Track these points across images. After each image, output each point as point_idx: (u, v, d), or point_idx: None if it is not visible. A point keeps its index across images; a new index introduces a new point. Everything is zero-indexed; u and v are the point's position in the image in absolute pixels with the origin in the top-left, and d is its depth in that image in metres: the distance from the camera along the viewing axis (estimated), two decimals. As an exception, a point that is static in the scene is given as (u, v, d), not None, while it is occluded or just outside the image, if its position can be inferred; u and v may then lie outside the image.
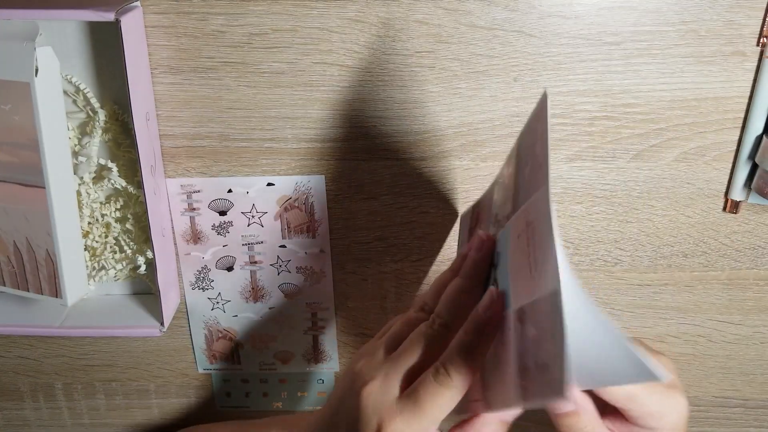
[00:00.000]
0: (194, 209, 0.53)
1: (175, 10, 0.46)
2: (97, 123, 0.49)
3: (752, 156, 0.48)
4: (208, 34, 0.47)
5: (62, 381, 0.62)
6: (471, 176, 0.51)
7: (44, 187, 0.47)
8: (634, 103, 0.48)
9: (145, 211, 0.48)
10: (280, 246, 0.54)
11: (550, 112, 0.30)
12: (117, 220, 0.53)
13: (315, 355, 0.59)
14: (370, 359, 0.37)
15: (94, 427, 0.64)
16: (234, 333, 0.58)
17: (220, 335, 0.58)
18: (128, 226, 0.53)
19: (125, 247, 0.54)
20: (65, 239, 0.49)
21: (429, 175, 0.51)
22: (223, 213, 0.53)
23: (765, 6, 0.44)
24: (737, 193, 0.50)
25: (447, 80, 0.48)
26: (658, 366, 0.27)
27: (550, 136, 0.30)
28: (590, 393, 0.37)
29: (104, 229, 0.53)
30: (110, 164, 0.51)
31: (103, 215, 0.53)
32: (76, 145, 0.50)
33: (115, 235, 0.53)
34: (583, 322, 0.28)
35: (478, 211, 0.47)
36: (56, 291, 0.50)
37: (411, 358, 0.35)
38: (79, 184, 0.51)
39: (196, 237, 0.54)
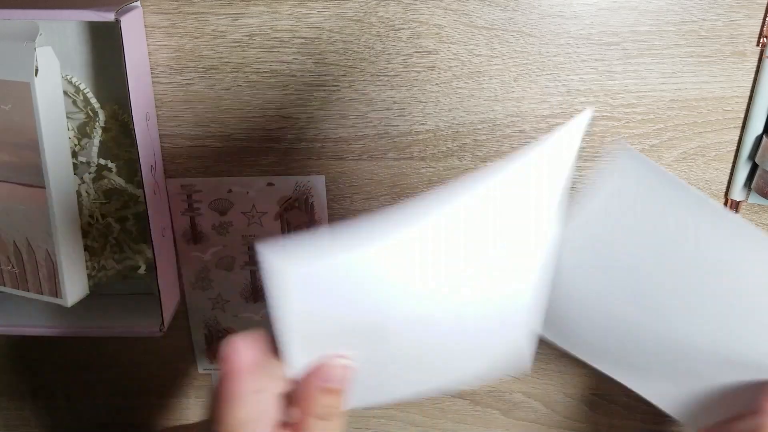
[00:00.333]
0: (194, 209, 0.53)
1: (175, 10, 0.46)
2: (97, 123, 0.49)
3: (752, 156, 0.48)
4: (208, 34, 0.47)
5: (62, 381, 0.62)
6: (471, 176, 0.51)
7: (44, 187, 0.47)
8: (634, 103, 0.48)
9: (145, 211, 0.48)
10: (280, 246, 0.54)
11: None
12: (117, 220, 0.53)
13: (315, 355, 0.59)
14: None
15: (94, 427, 0.64)
16: (234, 333, 0.58)
17: (220, 335, 0.58)
18: (128, 226, 0.53)
19: (125, 247, 0.54)
20: (65, 239, 0.49)
21: (429, 175, 0.51)
22: (223, 213, 0.53)
23: (765, 6, 0.44)
24: (737, 193, 0.50)
25: (447, 80, 0.48)
26: None
27: None
28: None
29: (104, 229, 0.53)
30: (110, 164, 0.51)
31: (103, 215, 0.53)
32: (76, 145, 0.50)
33: (115, 235, 0.53)
34: None
35: None
36: (56, 291, 0.50)
37: None
38: (79, 184, 0.51)
39: (196, 237, 0.54)
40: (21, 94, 0.45)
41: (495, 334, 0.36)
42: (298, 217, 0.53)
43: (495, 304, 0.34)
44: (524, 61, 0.47)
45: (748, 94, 0.47)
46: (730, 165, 0.50)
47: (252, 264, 0.55)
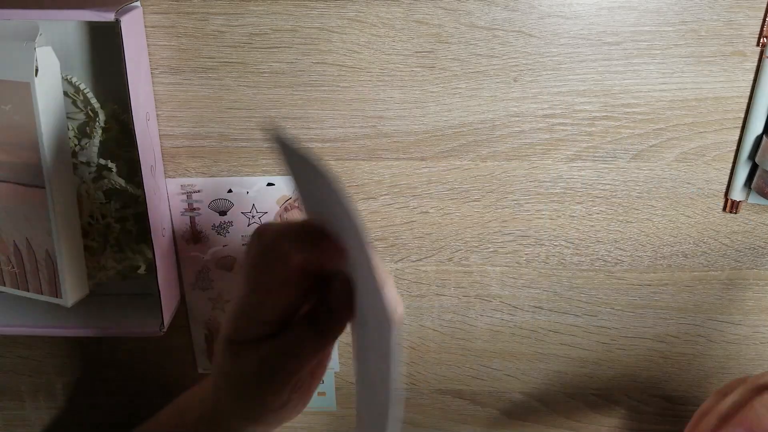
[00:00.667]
0: (194, 209, 0.53)
1: (175, 10, 0.46)
2: (97, 123, 0.49)
3: (752, 156, 0.48)
4: (208, 34, 0.47)
5: (62, 381, 0.62)
6: (471, 176, 0.51)
7: (44, 187, 0.47)
8: (634, 103, 0.48)
9: (145, 211, 0.48)
10: (280, 246, 0.54)
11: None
12: (117, 220, 0.53)
13: (315, 355, 0.59)
14: None
15: (94, 427, 0.64)
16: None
17: (220, 335, 0.58)
18: (128, 226, 0.53)
19: (125, 247, 0.54)
20: (65, 239, 0.49)
21: (429, 175, 0.51)
22: (223, 213, 0.53)
23: (765, 6, 0.44)
24: (737, 193, 0.50)
25: (447, 80, 0.48)
26: None
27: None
28: None
29: (104, 229, 0.53)
30: (110, 164, 0.51)
31: (103, 215, 0.53)
32: (76, 145, 0.50)
33: (115, 235, 0.53)
34: None
35: None
36: (56, 291, 0.50)
37: None
38: (79, 184, 0.51)
39: (196, 237, 0.54)
40: (21, 94, 0.45)
41: None
42: (298, 217, 0.53)
43: None
44: (524, 61, 0.47)
45: (748, 94, 0.47)
46: (730, 165, 0.50)
47: (252, 264, 0.55)
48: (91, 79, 0.49)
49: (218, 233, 0.54)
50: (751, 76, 0.47)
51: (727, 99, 0.47)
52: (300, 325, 0.33)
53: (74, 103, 0.49)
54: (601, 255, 0.54)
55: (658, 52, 0.46)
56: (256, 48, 0.47)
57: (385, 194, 0.52)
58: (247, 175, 0.52)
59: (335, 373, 0.60)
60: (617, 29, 0.46)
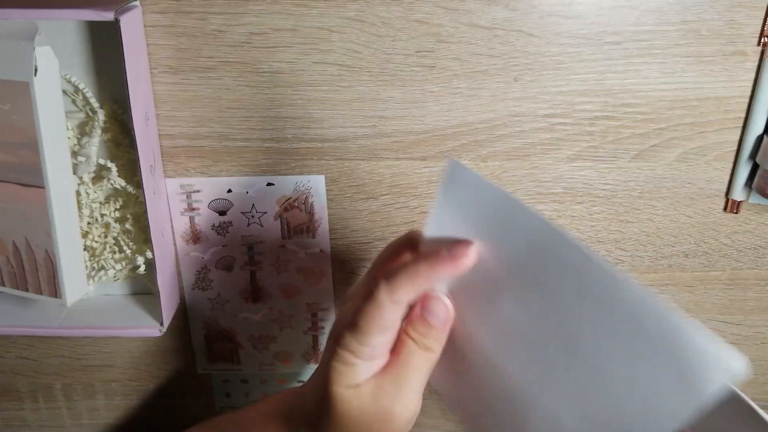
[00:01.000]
0: (194, 209, 0.53)
1: (175, 9, 0.46)
2: (97, 123, 0.49)
3: (753, 156, 0.48)
4: (208, 34, 0.47)
5: (61, 381, 0.62)
6: (471, 176, 0.51)
7: (43, 187, 0.47)
8: (635, 102, 0.48)
9: (145, 211, 0.48)
10: (280, 246, 0.54)
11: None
12: (116, 220, 0.53)
13: (315, 355, 0.59)
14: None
15: (93, 427, 0.64)
16: (234, 333, 0.58)
17: (219, 335, 0.58)
18: (128, 226, 0.53)
19: (124, 248, 0.54)
20: (64, 239, 0.49)
21: (429, 175, 0.51)
22: (222, 213, 0.53)
23: (766, 6, 0.44)
24: (738, 193, 0.50)
25: (447, 80, 0.48)
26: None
27: None
28: None
29: (103, 229, 0.53)
30: (109, 164, 0.50)
31: (102, 215, 0.52)
32: (75, 145, 0.50)
33: (115, 235, 0.53)
34: None
35: None
36: (55, 291, 0.50)
37: None
38: (79, 184, 0.51)
39: (195, 237, 0.54)
40: (20, 94, 0.44)
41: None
42: (298, 217, 0.53)
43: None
44: (525, 61, 0.47)
45: (749, 93, 0.47)
46: (731, 165, 0.50)
47: (252, 264, 0.55)
48: (91, 78, 0.49)
49: (218, 233, 0.54)
50: (752, 76, 0.47)
51: (728, 99, 0.47)
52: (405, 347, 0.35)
53: (73, 102, 0.49)
54: (602, 255, 0.53)
55: (659, 51, 0.46)
56: (255, 47, 0.47)
57: (385, 194, 0.52)
58: (247, 175, 0.51)
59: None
60: (618, 29, 0.46)
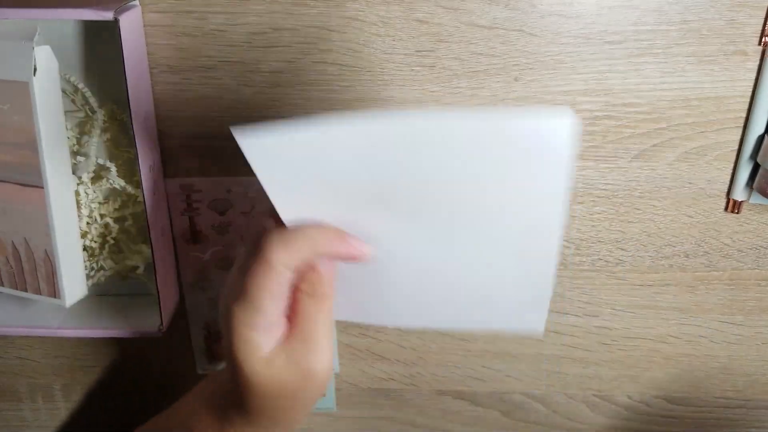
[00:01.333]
0: (193, 209, 0.53)
1: (175, 9, 0.46)
2: (96, 122, 0.49)
3: (754, 156, 0.48)
4: (208, 33, 0.47)
5: (61, 382, 0.62)
6: (471, 176, 0.51)
7: (43, 187, 0.47)
8: (636, 102, 0.48)
9: (144, 211, 0.48)
10: (280, 246, 0.54)
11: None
12: (116, 220, 0.53)
13: (315, 355, 0.59)
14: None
15: (93, 427, 0.64)
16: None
17: (219, 336, 0.58)
18: (127, 226, 0.53)
19: (124, 248, 0.54)
20: (64, 239, 0.49)
21: (429, 174, 0.51)
22: (222, 213, 0.53)
23: (767, 5, 0.44)
24: (739, 193, 0.50)
25: (447, 80, 0.48)
26: None
27: None
28: None
29: (103, 229, 0.53)
30: (109, 164, 0.50)
31: (101, 215, 0.52)
32: (74, 145, 0.50)
33: (114, 235, 0.53)
34: None
35: None
36: (55, 291, 0.50)
37: None
38: (78, 184, 0.51)
39: (195, 237, 0.54)
40: (19, 94, 0.44)
41: (508, 284, 0.36)
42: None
43: (509, 253, 0.34)
44: (525, 61, 0.47)
45: (749, 93, 0.47)
46: (732, 165, 0.49)
47: (251, 264, 0.55)
48: (90, 78, 0.48)
49: (218, 233, 0.54)
50: (753, 76, 0.46)
51: (729, 98, 0.47)
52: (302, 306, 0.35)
53: (73, 102, 0.49)
54: (603, 255, 0.53)
55: (659, 51, 0.46)
56: (255, 47, 0.47)
57: (385, 194, 0.52)
58: (247, 175, 0.51)
59: (335, 373, 0.60)
60: (619, 28, 0.45)
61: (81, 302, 0.53)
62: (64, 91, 0.49)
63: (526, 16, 0.45)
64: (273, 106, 0.49)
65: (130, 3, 0.44)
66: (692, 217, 0.52)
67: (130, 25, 0.43)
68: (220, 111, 0.49)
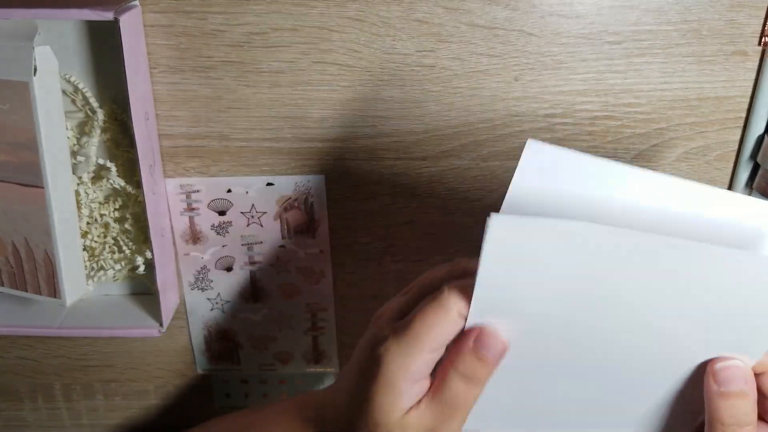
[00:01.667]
0: (193, 209, 0.53)
1: (175, 9, 0.46)
2: (96, 122, 0.49)
3: (754, 156, 0.48)
4: (208, 33, 0.47)
5: (61, 381, 0.62)
6: (471, 176, 0.51)
7: (43, 187, 0.47)
8: (636, 102, 0.48)
9: (144, 211, 0.48)
10: (280, 246, 0.54)
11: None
12: (116, 220, 0.53)
13: (315, 355, 0.59)
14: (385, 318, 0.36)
15: (92, 427, 0.64)
16: (233, 333, 0.58)
17: (219, 335, 0.58)
18: (127, 226, 0.53)
19: (124, 248, 0.54)
20: (64, 239, 0.49)
21: (429, 175, 0.51)
22: (222, 213, 0.53)
23: (766, 6, 0.44)
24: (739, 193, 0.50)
25: (447, 80, 0.48)
26: None
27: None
28: None
29: (103, 229, 0.53)
30: (109, 164, 0.50)
31: (101, 215, 0.52)
32: (74, 145, 0.50)
33: (114, 235, 0.53)
34: None
35: None
36: (55, 291, 0.50)
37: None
38: (78, 184, 0.51)
39: (195, 237, 0.54)
40: (19, 94, 0.44)
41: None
42: (298, 217, 0.53)
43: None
44: (525, 61, 0.47)
45: (749, 93, 0.47)
46: (732, 165, 0.49)
47: (252, 264, 0.55)
48: (90, 78, 0.48)
49: (217, 233, 0.54)
50: (753, 76, 0.46)
51: (729, 98, 0.47)
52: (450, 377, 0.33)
53: (73, 102, 0.49)
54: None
55: (659, 51, 0.46)
56: (255, 47, 0.47)
57: (385, 194, 0.52)
58: (247, 175, 0.51)
59: (335, 373, 0.60)
60: (618, 28, 0.46)
61: (81, 302, 0.53)
62: (64, 91, 0.49)
63: (526, 16, 0.45)
64: (273, 107, 0.49)
65: (130, 3, 0.44)
66: (692, 217, 0.52)
67: (130, 25, 0.43)
68: (219, 111, 0.49)
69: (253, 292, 0.56)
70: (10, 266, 0.50)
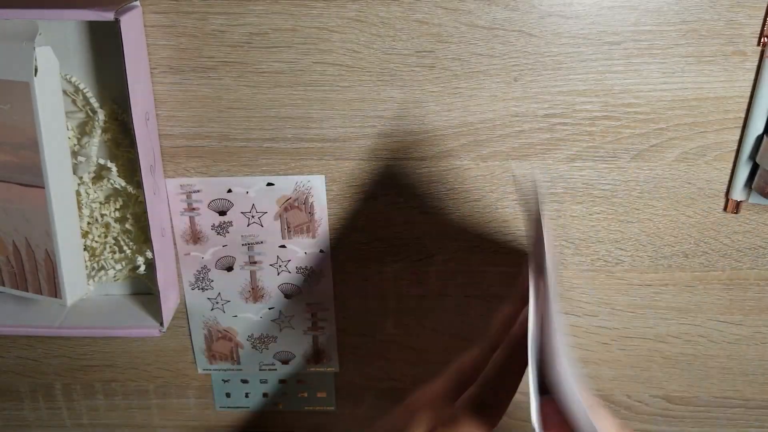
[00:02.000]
0: (194, 209, 0.53)
1: (175, 9, 0.46)
2: (97, 123, 0.49)
3: (753, 156, 0.48)
4: (208, 34, 0.47)
5: (61, 381, 0.62)
6: (471, 176, 0.51)
7: (43, 187, 0.47)
8: (635, 102, 0.48)
9: (145, 211, 0.48)
10: (280, 246, 0.54)
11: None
12: (116, 220, 0.53)
13: (315, 355, 0.59)
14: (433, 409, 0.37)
15: (93, 427, 0.64)
16: (234, 333, 0.58)
17: (219, 335, 0.58)
18: (128, 226, 0.53)
19: (124, 247, 0.54)
20: (64, 239, 0.49)
21: (429, 175, 0.51)
22: (222, 213, 0.53)
23: (766, 6, 0.44)
24: (738, 193, 0.50)
25: (447, 80, 0.48)
26: None
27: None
28: None
29: (103, 229, 0.53)
30: (109, 164, 0.50)
31: (102, 215, 0.53)
32: (75, 145, 0.50)
33: (115, 235, 0.53)
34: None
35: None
36: (55, 291, 0.50)
37: None
38: (79, 184, 0.51)
39: (195, 237, 0.54)
40: (20, 94, 0.44)
41: None
42: (298, 217, 0.53)
43: None
44: (525, 61, 0.47)
45: (748, 93, 0.47)
46: (731, 165, 0.50)
47: (252, 264, 0.55)
48: (91, 78, 0.49)
49: (218, 233, 0.54)
50: (752, 76, 0.47)
51: (728, 99, 0.47)
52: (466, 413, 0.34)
53: (74, 102, 0.49)
54: (602, 255, 0.53)
55: (658, 51, 0.46)
56: (256, 48, 0.47)
57: (385, 194, 0.52)
58: (247, 175, 0.51)
59: (335, 373, 0.60)
60: (618, 29, 0.46)
61: (81, 302, 0.53)
62: (64, 92, 0.49)
63: (525, 16, 0.45)
64: (273, 107, 0.49)
65: (131, 3, 0.44)
66: (691, 217, 0.52)
67: (131, 26, 0.43)
68: (220, 111, 0.49)
69: (253, 292, 0.56)
70: (10, 266, 0.51)
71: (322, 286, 0.56)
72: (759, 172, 0.48)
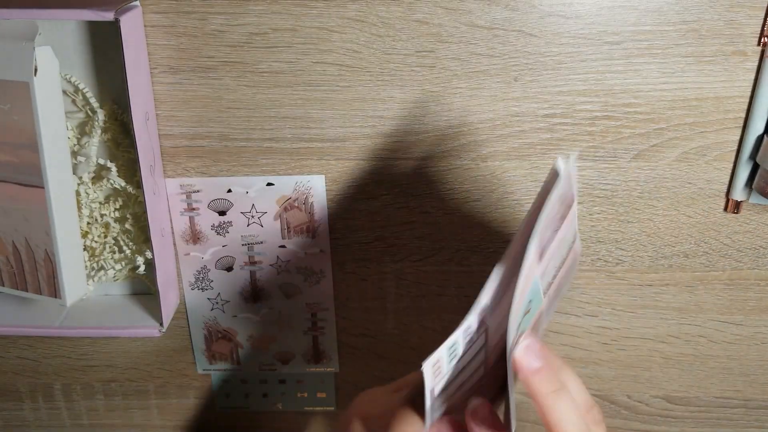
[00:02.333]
0: (193, 209, 0.53)
1: (175, 9, 0.46)
2: (97, 123, 0.49)
3: (753, 156, 0.48)
4: (208, 34, 0.47)
5: (61, 381, 0.62)
6: (471, 176, 0.51)
7: (43, 187, 0.47)
8: (635, 102, 0.48)
9: (145, 211, 0.48)
10: (280, 246, 0.54)
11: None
12: (116, 220, 0.53)
13: (315, 355, 0.59)
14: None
15: (93, 427, 0.64)
16: (233, 333, 0.58)
17: (219, 335, 0.58)
18: (127, 226, 0.53)
19: (124, 248, 0.54)
20: (64, 239, 0.49)
21: (429, 175, 0.51)
22: (222, 213, 0.53)
23: (766, 6, 0.44)
24: (738, 193, 0.50)
25: (447, 80, 0.48)
26: None
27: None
28: None
29: (103, 229, 0.53)
30: (109, 164, 0.50)
31: (102, 215, 0.53)
32: (75, 145, 0.50)
33: (114, 235, 0.53)
34: None
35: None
36: (55, 291, 0.50)
37: None
38: (78, 184, 0.51)
39: (195, 237, 0.54)
40: (20, 94, 0.44)
41: None
42: (298, 217, 0.53)
43: None
44: (524, 61, 0.47)
45: (749, 93, 0.47)
46: (731, 165, 0.50)
47: (252, 264, 0.55)
48: (91, 78, 0.49)
49: (218, 233, 0.54)
50: (752, 76, 0.47)
51: (728, 99, 0.47)
52: None
53: (73, 102, 0.49)
54: (602, 255, 0.53)
55: (658, 51, 0.46)
56: (255, 47, 0.47)
57: (385, 194, 0.52)
58: (247, 175, 0.51)
59: (335, 373, 0.60)
60: (618, 29, 0.46)
61: (81, 302, 0.53)
62: (64, 92, 0.49)
63: (525, 16, 0.45)
64: (273, 107, 0.49)
65: (131, 3, 0.44)
66: (691, 217, 0.52)
67: (131, 26, 0.43)
68: (220, 111, 0.49)
69: (253, 292, 0.56)
70: (10, 266, 0.51)
71: (322, 286, 0.56)
72: (759, 172, 0.48)
